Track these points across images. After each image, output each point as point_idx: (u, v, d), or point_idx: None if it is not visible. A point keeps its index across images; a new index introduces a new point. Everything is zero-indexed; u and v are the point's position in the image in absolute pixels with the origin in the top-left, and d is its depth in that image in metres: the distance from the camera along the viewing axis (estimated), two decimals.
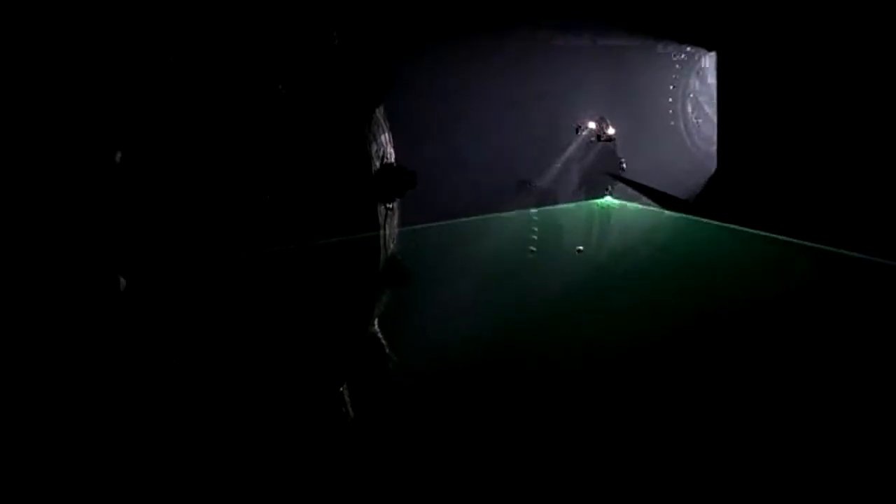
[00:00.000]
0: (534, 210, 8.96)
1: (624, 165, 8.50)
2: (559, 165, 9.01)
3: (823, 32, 6.07)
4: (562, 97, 8.98)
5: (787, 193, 6.44)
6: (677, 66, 10.11)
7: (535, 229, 9.02)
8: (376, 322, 5.00)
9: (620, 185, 8.65)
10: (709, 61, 10.04)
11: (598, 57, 8.89)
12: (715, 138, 10.43)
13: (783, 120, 6.60)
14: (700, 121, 10.49)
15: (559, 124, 9.02)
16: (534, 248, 9.12)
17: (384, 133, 5.08)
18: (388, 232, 4.74)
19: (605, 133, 8.41)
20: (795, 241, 6.07)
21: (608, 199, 8.64)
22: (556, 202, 8.90)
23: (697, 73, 10.22)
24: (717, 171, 7.64)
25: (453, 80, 8.57)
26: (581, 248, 9.12)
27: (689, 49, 9.78)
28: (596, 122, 8.53)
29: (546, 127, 8.98)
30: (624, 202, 8.70)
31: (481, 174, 8.75)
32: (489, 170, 8.79)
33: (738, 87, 7.26)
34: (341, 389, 4.56)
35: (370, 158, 4.51)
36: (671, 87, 10.31)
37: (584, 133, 8.70)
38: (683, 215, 8.59)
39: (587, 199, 8.77)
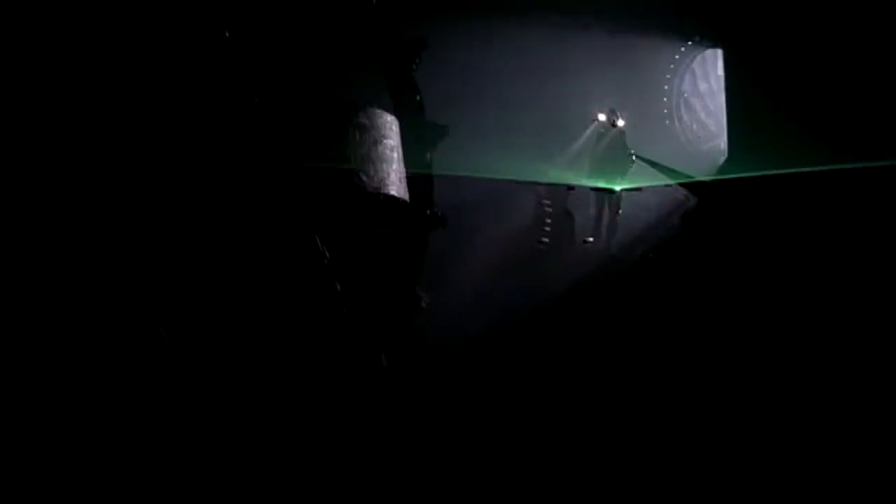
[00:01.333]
0: (546, 201, 9.12)
1: (633, 157, 8.75)
2: (571, 155, 9.22)
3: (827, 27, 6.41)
4: (569, 90, 9.22)
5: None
6: (671, 65, 10.48)
7: (549, 220, 9.18)
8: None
9: (628, 176, 8.89)
10: (703, 60, 10.47)
11: (605, 51, 9.16)
12: (707, 136, 10.87)
13: (788, 109, 6.90)
14: (696, 118, 10.86)
15: (568, 116, 9.25)
16: (545, 239, 9.27)
17: None
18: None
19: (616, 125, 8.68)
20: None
21: (618, 187, 8.87)
22: (568, 191, 9.07)
23: (691, 71, 10.59)
24: (727, 159, 7.94)
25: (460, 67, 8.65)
26: (591, 238, 9.32)
27: (682, 49, 10.18)
28: (606, 114, 8.78)
29: (555, 118, 9.19)
30: (632, 188, 8.96)
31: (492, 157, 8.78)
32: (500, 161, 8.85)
33: (746, 77, 7.57)
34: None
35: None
36: (665, 87, 10.68)
37: (593, 125, 8.95)
38: (689, 202, 8.91)
39: (597, 187, 8.98)
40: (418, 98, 5.16)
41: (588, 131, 9.19)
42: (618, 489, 4.51)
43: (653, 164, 7.74)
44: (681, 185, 7.62)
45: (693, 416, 5.15)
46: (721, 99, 10.74)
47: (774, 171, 6.59)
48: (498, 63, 8.87)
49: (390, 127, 4.51)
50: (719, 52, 9.68)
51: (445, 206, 7.91)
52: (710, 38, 8.41)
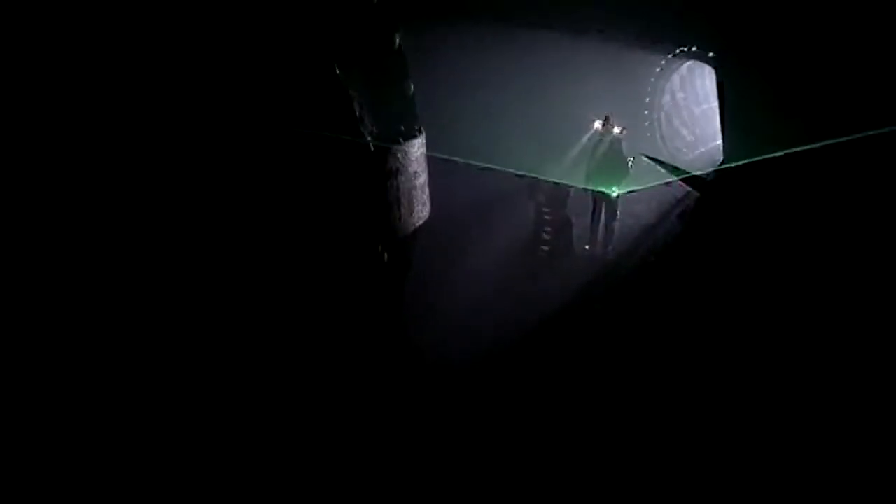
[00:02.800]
0: (546, 209, 9.14)
1: (631, 163, 8.89)
2: (569, 161, 9.31)
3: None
4: (564, 97, 9.35)
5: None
6: (652, 79, 10.77)
7: (548, 228, 9.20)
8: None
9: (626, 181, 9.02)
10: (683, 73, 10.81)
11: (596, 59, 9.36)
12: (687, 148, 11.18)
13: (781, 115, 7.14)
14: (677, 129, 11.14)
15: (564, 122, 9.36)
16: (545, 248, 9.28)
17: None
18: None
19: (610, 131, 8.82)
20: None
21: (615, 194, 8.98)
22: (566, 197, 9.12)
23: (673, 82, 10.89)
24: (724, 160, 8.14)
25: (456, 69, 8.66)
26: (588, 246, 9.39)
27: (663, 62, 10.50)
28: (602, 121, 8.92)
29: (552, 124, 9.29)
30: (630, 193, 9.09)
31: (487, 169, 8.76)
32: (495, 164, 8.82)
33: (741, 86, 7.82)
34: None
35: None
36: (646, 100, 10.95)
37: (590, 132, 9.07)
38: (685, 201, 9.09)
39: (596, 194, 9.07)
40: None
41: (585, 138, 9.32)
42: (624, 495, 4.47)
43: (657, 161, 7.89)
44: (681, 181, 7.78)
45: (706, 424, 5.11)
46: (702, 109, 11.15)
47: (774, 154, 6.68)
48: (492, 68, 8.95)
49: (422, 153, 4.43)
50: (698, 63, 10.09)
51: (444, 216, 7.87)
52: (701, 45, 8.66)
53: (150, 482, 3.59)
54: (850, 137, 6.45)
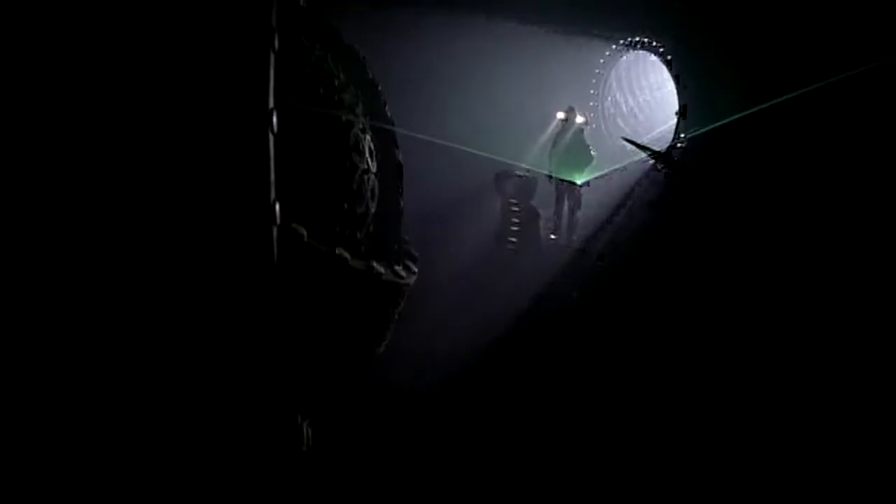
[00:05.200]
0: (513, 200, 9.13)
1: (593, 152, 9.05)
2: (534, 152, 9.35)
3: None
4: (526, 91, 9.37)
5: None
6: (597, 70, 11.02)
7: (516, 220, 9.19)
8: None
9: (589, 169, 9.18)
10: (628, 62, 11.11)
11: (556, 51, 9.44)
12: (637, 134, 11.51)
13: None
14: (621, 119, 11.45)
15: (528, 115, 9.39)
16: (513, 239, 9.27)
17: None
18: None
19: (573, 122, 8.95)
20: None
21: (580, 181, 9.12)
22: (533, 188, 9.15)
23: (617, 74, 11.18)
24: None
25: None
26: (553, 235, 9.49)
27: (608, 53, 10.76)
28: (565, 112, 9.03)
29: (516, 115, 9.29)
30: (594, 181, 9.26)
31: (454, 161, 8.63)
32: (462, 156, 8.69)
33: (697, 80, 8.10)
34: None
35: None
36: (592, 91, 11.20)
37: (555, 122, 9.16)
38: (642, 184, 9.35)
39: (560, 183, 9.17)
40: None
41: (549, 129, 9.39)
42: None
43: (632, 143, 8.08)
44: (653, 159, 8.00)
45: (694, 416, 5.16)
46: (649, 97, 11.51)
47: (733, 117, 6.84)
48: (453, 60, 8.83)
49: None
50: (642, 53, 10.40)
51: (416, 213, 7.61)
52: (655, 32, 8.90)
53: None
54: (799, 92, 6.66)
